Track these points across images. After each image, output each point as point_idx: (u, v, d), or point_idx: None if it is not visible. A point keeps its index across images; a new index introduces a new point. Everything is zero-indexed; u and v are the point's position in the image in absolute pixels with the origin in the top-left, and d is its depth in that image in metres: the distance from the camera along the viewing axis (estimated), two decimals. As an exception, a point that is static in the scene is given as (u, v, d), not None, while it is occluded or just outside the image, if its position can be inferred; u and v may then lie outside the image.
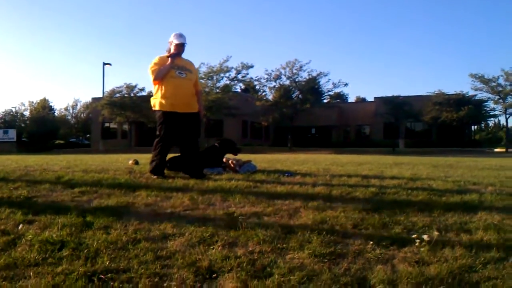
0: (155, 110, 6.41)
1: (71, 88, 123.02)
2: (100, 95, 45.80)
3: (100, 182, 5.77)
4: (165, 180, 6.01)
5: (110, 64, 47.31)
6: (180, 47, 6.37)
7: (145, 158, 10.41)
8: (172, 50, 6.35)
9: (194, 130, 6.56)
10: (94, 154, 18.15)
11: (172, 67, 6.25)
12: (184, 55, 6.45)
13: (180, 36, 6.38)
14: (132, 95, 42.19)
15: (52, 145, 51.51)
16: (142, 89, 42.71)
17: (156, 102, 6.33)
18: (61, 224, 3.65)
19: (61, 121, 71.70)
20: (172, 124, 6.26)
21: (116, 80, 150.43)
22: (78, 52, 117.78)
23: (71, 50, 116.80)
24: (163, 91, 6.25)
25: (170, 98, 6.21)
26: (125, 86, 42.30)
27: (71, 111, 78.56)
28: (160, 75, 6.20)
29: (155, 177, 6.22)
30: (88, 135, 61.77)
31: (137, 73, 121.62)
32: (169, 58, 6.27)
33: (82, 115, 76.58)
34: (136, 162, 8.88)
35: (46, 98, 70.86)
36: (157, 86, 6.33)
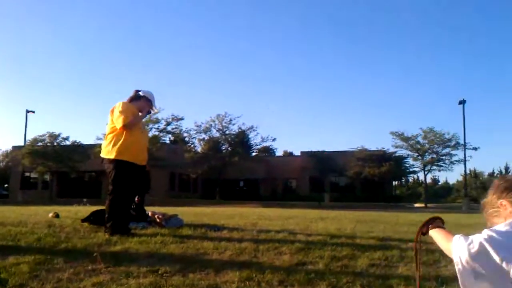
0: (107, 159, 6.04)
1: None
2: (22, 143, 43.98)
3: (17, 236, 5.48)
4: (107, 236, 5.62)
5: (33, 112, 45.79)
6: (151, 106, 6.41)
7: (66, 211, 10.01)
8: (141, 104, 6.29)
9: (142, 182, 6.45)
10: (12, 206, 17.21)
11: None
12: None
13: (155, 100, 6.46)
14: (55, 144, 40.83)
15: (-33, 194, 48.48)
16: (66, 138, 41.49)
17: (115, 151, 5.96)
18: (-29, 283, 3.41)
19: (-23, 170, 67.89)
20: (128, 176, 5.98)
21: (39, 128, 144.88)
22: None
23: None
24: (127, 140, 5.96)
25: (134, 149, 6.01)
26: (48, 134, 40.94)
27: (-11, 159, 74.64)
28: (133, 123, 6.03)
29: (108, 236, 5.66)
30: (6, 185, 58.57)
31: (61, 122, 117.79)
32: (147, 113, 6.38)
33: (1, 164, 72.91)
34: (57, 215, 8.48)
35: (-38, 146, 67.32)
36: (120, 132, 5.99)
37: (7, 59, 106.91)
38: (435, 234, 1.89)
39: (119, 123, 5.97)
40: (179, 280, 3.72)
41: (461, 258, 1.54)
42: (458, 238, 1.62)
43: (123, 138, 6.00)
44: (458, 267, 1.56)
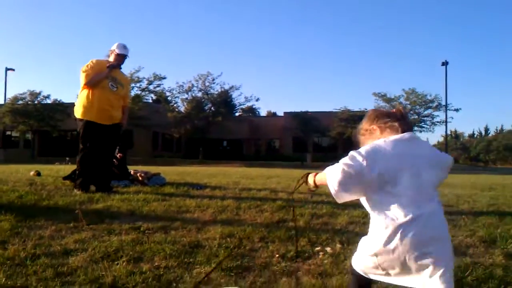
0: (77, 118, 6.07)
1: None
2: (2, 102, 43.19)
3: (-3, 194, 5.45)
4: (82, 194, 5.67)
5: (13, 70, 44.84)
6: (121, 58, 6.21)
7: (48, 169, 9.96)
8: (112, 59, 6.17)
9: (114, 141, 6.37)
10: (-8, 164, 17.08)
11: (107, 77, 6.02)
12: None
13: (124, 47, 6.21)
14: (36, 102, 40.16)
15: None
16: (47, 97, 40.76)
17: (80, 110, 6.00)
18: (-49, 240, 3.40)
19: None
20: (95, 136, 5.97)
21: (19, 87, 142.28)
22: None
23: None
24: (90, 99, 5.94)
25: (96, 108, 5.95)
26: (28, 93, 40.20)
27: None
28: (93, 81, 5.92)
29: (79, 192, 5.78)
30: (-14, 144, 57.80)
31: (41, 80, 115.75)
32: (107, 67, 6.03)
33: (-19, 122, 71.73)
34: (38, 174, 8.45)
35: None
36: (85, 92, 5.99)
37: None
38: (320, 177, 2.22)
39: (82, 82, 5.97)
40: (161, 237, 3.76)
41: (333, 174, 1.94)
42: (330, 166, 1.99)
43: (86, 97, 5.98)
44: (330, 181, 1.94)
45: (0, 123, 40.84)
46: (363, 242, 2.08)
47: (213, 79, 41.32)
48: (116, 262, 3.05)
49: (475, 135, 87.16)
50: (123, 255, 3.20)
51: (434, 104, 40.43)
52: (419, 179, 1.95)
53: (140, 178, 6.96)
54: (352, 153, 1.97)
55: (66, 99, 42.29)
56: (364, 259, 2.06)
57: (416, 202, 1.91)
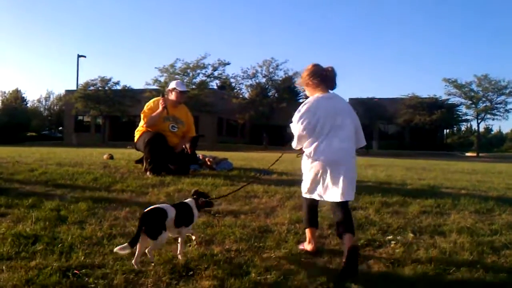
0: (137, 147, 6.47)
1: (44, 79, 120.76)
2: (74, 88, 45.01)
3: (75, 176, 5.69)
4: (154, 177, 5.80)
5: (85, 56, 46.63)
6: (182, 95, 6.44)
7: (120, 153, 10.30)
8: (173, 97, 6.37)
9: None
10: (67, 148, 17.86)
11: (168, 119, 6.26)
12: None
13: (182, 84, 6.53)
14: (106, 88, 41.47)
15: (24, 137, 50.45)
16: (117, 83, 41.97)
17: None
18: (35, 218, 3.59)
19: (33, 113, 70.33)
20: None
21: (90, 73, 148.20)
22: (53, 43, 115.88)
23: (45, 41, 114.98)
24: (150, 134, 6.16)
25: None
26: (99, 79, 41.55)
27: (44, 103, 77.07)
28: (152, 122, 6.19)
29: (151, 176, 5.93)
30: (60, 128, 60.56)
31: (112, 66, 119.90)
32: (161, 105, 6.17)
33: (55, 107, 75.11)
34: (111, 157, 8.75)
35: (19, 89, 69.42)
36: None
37: (60, 4, 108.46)
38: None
39: (142, 123, 6.37)
40: (231, 220, 3.81)
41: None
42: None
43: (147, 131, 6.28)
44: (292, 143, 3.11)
45: (73, 108, 42.51)
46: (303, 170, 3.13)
47: (277, 65, 41.10)
48: (188, 244, 3.12)
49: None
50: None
51: (508, 90, 38.28)
52: (339, 124, 3.01)
53: (208, 163, 7.05)
54: (295, 115, 3.07)
55: (135, 86, 43.39)
56: (304, 183, 3.11)
57: (336, 138, 2.98)
